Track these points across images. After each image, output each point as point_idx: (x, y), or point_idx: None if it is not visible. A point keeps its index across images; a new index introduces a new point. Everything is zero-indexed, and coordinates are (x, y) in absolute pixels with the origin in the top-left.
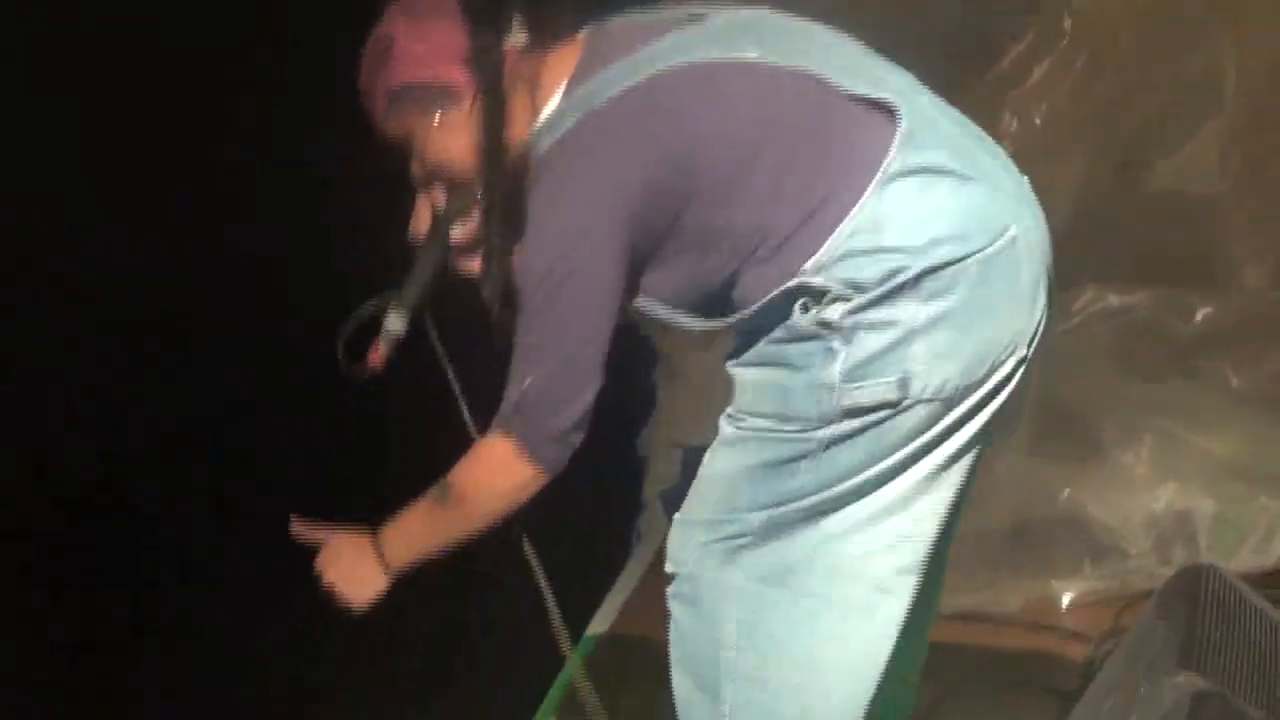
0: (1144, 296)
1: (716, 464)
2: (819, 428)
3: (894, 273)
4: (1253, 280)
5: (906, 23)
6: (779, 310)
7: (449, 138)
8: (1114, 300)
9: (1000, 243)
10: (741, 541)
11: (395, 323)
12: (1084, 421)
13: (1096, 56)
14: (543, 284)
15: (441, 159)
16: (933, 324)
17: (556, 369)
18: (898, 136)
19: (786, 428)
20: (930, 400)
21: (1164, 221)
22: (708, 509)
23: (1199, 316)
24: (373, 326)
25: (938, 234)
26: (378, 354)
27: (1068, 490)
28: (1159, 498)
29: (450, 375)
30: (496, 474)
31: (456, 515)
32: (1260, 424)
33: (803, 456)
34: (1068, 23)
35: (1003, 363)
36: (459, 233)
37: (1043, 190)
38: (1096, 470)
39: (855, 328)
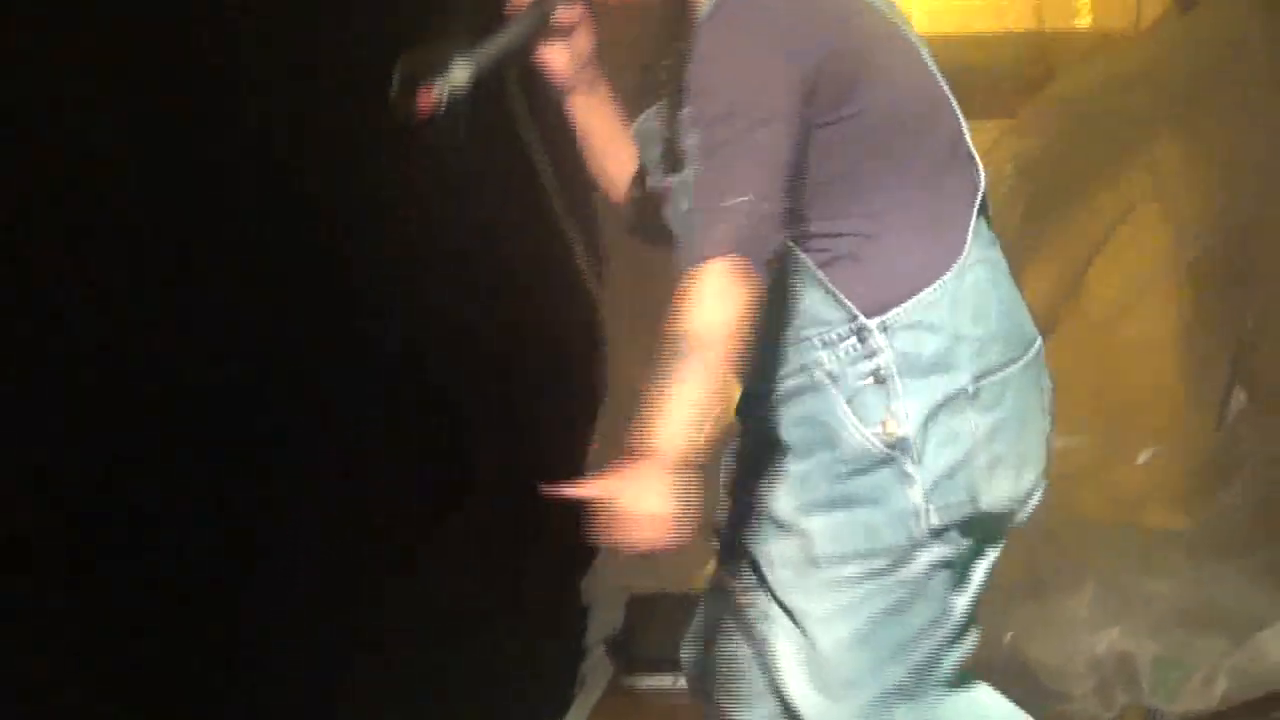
0: (1087, 438)
1: (827, 638)
2: (912, 556)
3: (947, 359)
4: (1197, 422)
5: None
6: (802, 353)
7: None
8: (1058, 441)
9: (1032, 351)
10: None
11: (459, 72)
12: (1028, 563)
13: None
14: (729, 108)
15: None
16: (991, 435)
17: (757, 183)
18: (978, 200)
19: (876, 563)
20: (995, 513)
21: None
22: (854, 693)
23: (1143, 458)
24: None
25: (993, 330)
26: (429, 97)
27: (1010, 633)
28: (1101, 640)
29: (534, 142)
30: (727, 299)
31: (701, 364)
32: (1201, 567)
33: (913, 596)
34: None
35: (1035, 473)
36: (564, 13)
37: None
38: (1039, 612)
39: (923, 443)
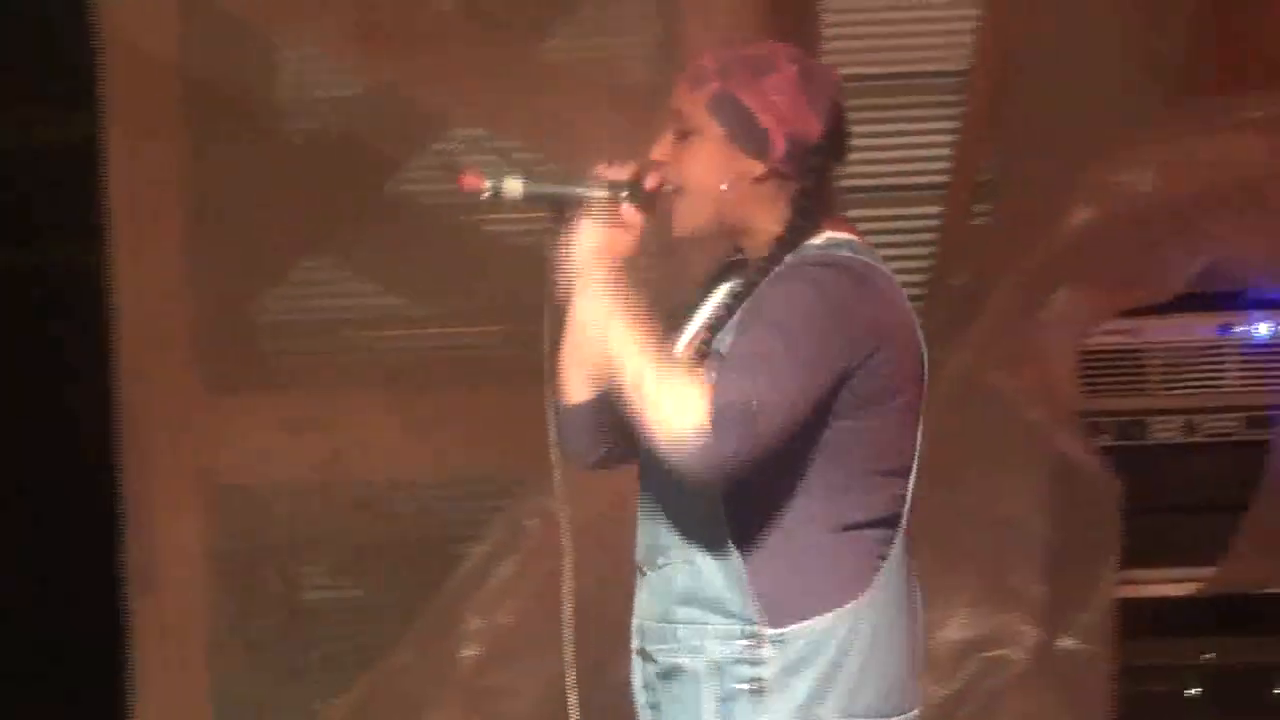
0: None
1: None
2: None
3: (820, 689)
4: None
5: None
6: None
7: (717, 169)
8: None
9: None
10: None
11: (511, 183)
12: None
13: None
14: (788, 339)
15: (699, 175)
16: None
17: (776, 398)
18: (897, 542)
19: None
20: None
21: (632, 713)
22: None
23: None
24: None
25: (870, 678)
26: (474, 182)
27: None
28: None
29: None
30: (682, 397)
31: (626, 364)
32: None
33: None
34: (531, 523)
35: None
36: (627, 212)
37: (508, 693)
38: None
39: None
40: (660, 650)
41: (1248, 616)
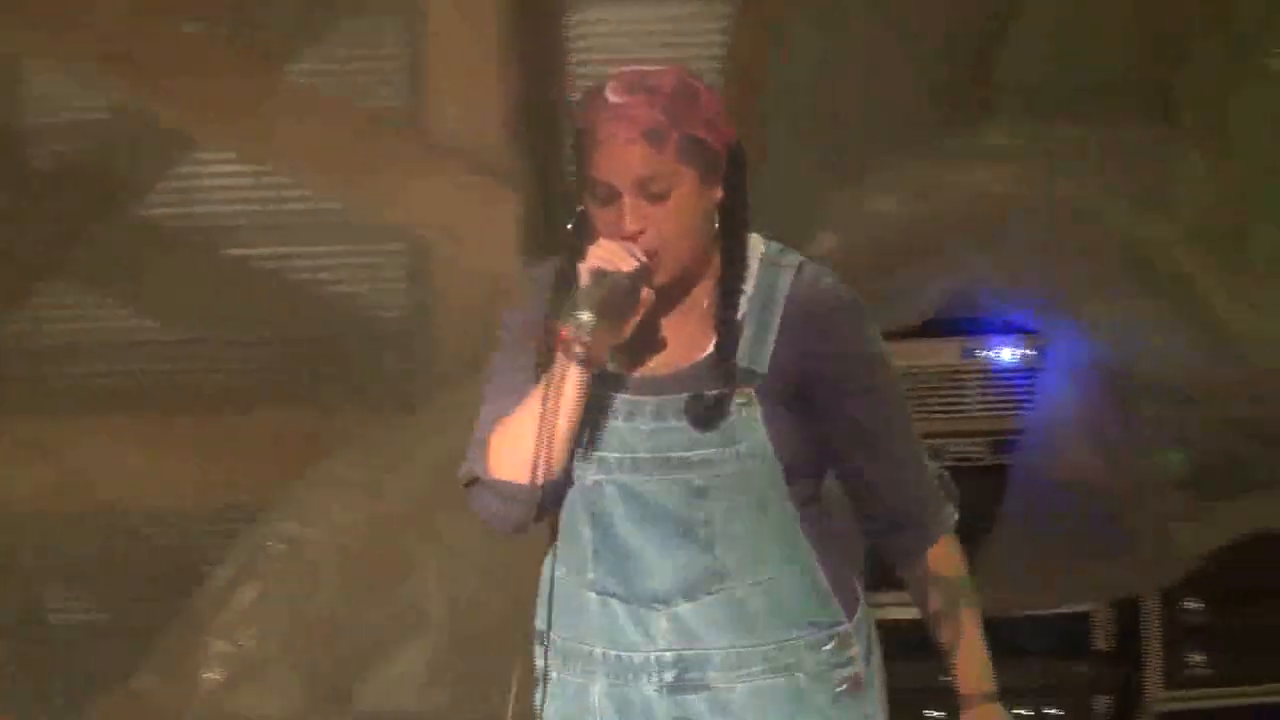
0: None
1: None
2: None
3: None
4: None
5: None
6: None
7: (701, 211)
8: None
9: None
10: None
11: (586, 317)
12: None
13: (307, 582)
14: (900, 403)
15: (685, 225)
16: None
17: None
18: None
19: None
20: None
21: None
22: None
23: None
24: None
25: None
26: (565, 332)
27: None
28: None
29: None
30: (964, 563)
31: (974, 610)
32: None
33: None
34: (274, 546)
35: None
36: (647, 292)
37: (251, 717)
38: None
39: None
40: (736, 676)
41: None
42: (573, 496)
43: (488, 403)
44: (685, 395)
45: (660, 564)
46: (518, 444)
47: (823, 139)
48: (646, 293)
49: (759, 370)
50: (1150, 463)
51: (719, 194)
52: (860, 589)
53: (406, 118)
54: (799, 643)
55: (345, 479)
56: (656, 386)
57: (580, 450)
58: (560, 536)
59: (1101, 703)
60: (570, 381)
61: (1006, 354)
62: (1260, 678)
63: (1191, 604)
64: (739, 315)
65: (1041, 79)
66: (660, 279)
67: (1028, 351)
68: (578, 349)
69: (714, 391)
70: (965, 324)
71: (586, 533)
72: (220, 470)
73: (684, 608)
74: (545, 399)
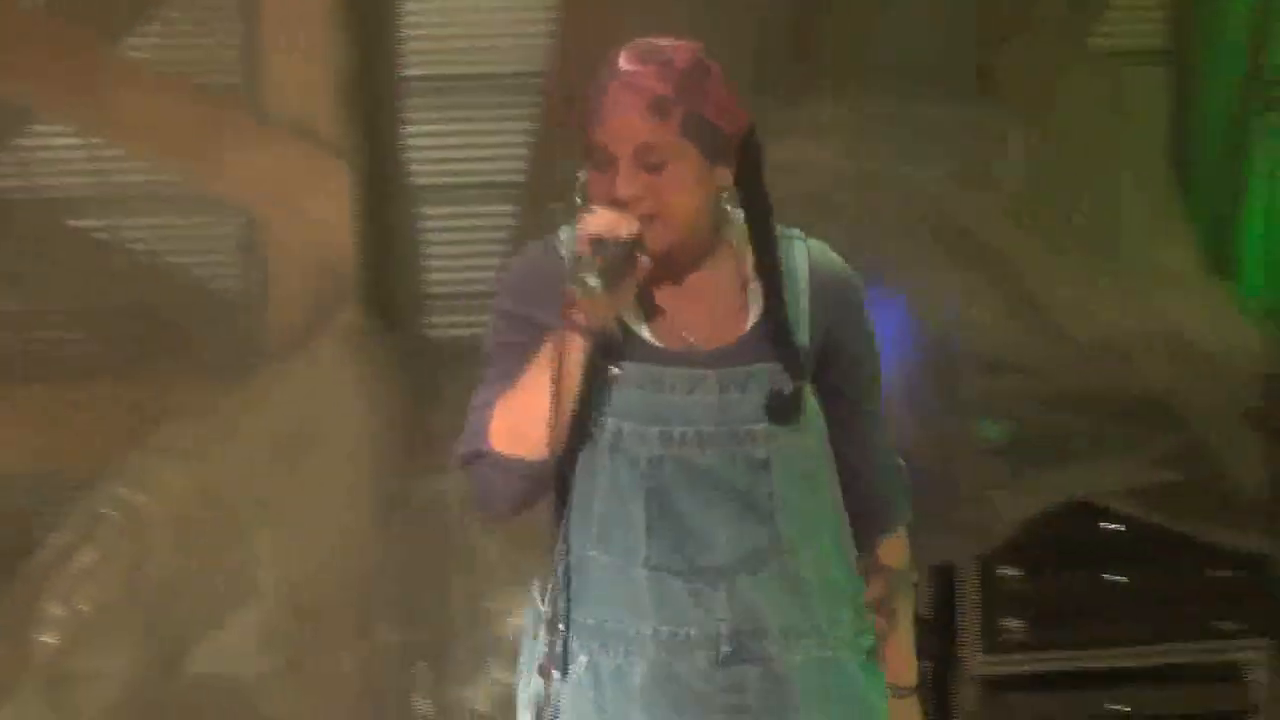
0: None
1: None
2: None
3: None
4: None
5: None
6: None
7: (703, 188)
8: None
9: None
10: None
11: (593, 282)
12: None
13: (142, 548)
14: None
15: (684, 200)
16: None
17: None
18: None
19: None
20: None
21: (207, 703)
22: None
23: None
24: None
25: None
26: (578, 317)
27: None
28: None
29: None
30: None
31: (910, 598)
32: None
33: None
34: (108, 512)
35: None
36: (645, 262)
37: (88, 679)
38: None
39: None
40: (791, 648)
41: None
42: (619, 473)
43: (486, 382)
44: (746, 367)
45: (723, 537)
46: (522, 416)
47: None
48: (644, 260)
49: (802, 342)
50: (969, 432)
51: (726, 176)
52: None
53: (241, 92)
54: (841, 614)
55: (179, 448)
56: (715, 360)
57: (637, 426)
58: (589, 516)
59: (920, 668)
60: (574, 351)
61: None
62: (1076, 642)
63: (1008, 570)
64: (781, 290)
65: (864, 57)
66: (656, 248)
67: None
68: (587, 316)
69: (787, 382)
70: None
71: (638, 510)
72: (56, 438)
73: (744, 580)
74: (552, 369)
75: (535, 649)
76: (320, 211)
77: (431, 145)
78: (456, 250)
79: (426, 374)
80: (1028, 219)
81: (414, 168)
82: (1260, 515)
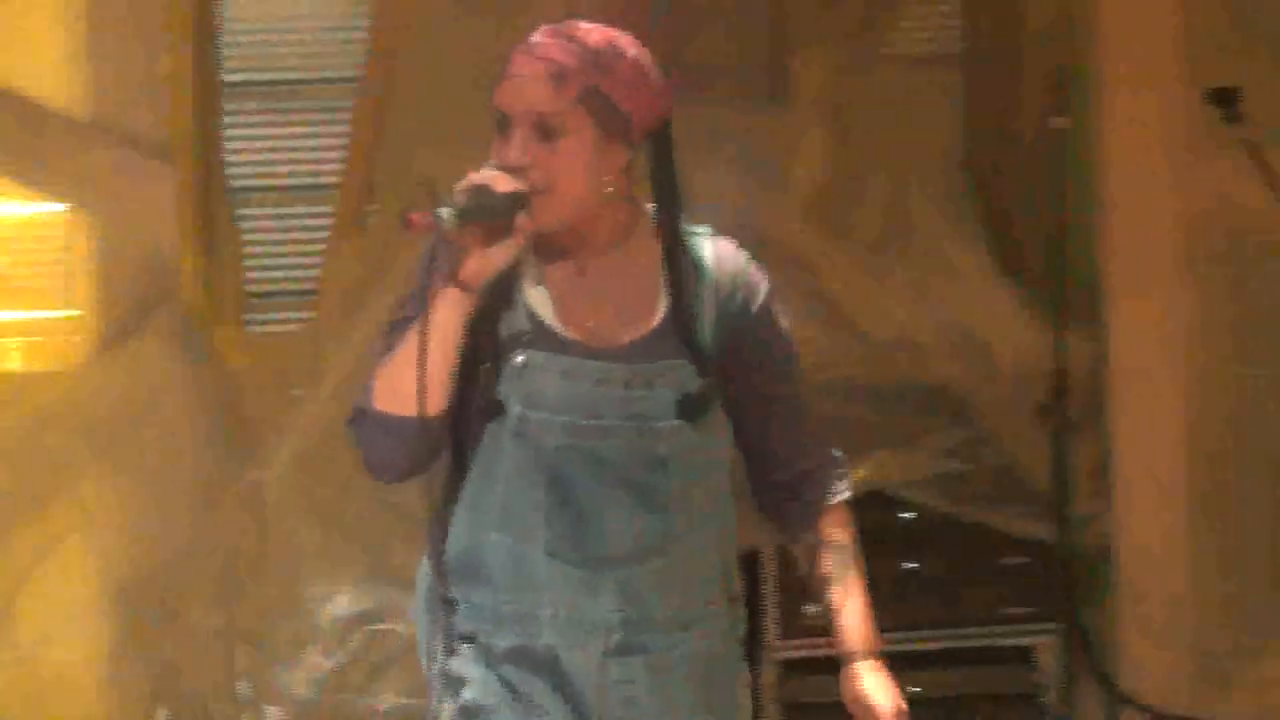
0: None
1: None
2: None
3: None
4: None
5: None
6: None
7: (595, 165)
8: None
9: None
10: None
11: (447, 212)
12: None
13: None
14: (801, 374)
15: (575, 173)
16: None
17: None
18: None
19: None
20: None
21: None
22: None
23: None
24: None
25: None
26: (418, 218)
27: None
28: None
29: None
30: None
31: (860, 570)
32: None
33: None
34: None
35: None
36: (525, 218)
37: None
38: None
39: None
40: (674, 639)
41: None
42: (523, 460)
43: (383, 351)
44: (655, 364)
45: (617, 528)
46: (397, 373)
47: (456, 115)
48: (524, 221)
49: (710, 338)
50: None
51: (624, 156)
52: None
53: (66, 95)
54: (720, 605)
55: None
56: (625, 354)
57: (543, 415)
58: (490, 500)
59: None
60: (446, 305)
61: None
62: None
63: None
64: (688, 286)
65: (659, 60)
66: (545, 221)
67: None
68: (461, 269)
69: (697, 381)
70: None
71: (540, 496)
72: None
73: (635, 571)
74: (421, 326)
75: (433, 628)
76: (144, 212)
77: (251, 148)
78: (275, 249)
79: (247, 370)
80: (823, 220)
81: (234, 170)
82: (1047, 504)
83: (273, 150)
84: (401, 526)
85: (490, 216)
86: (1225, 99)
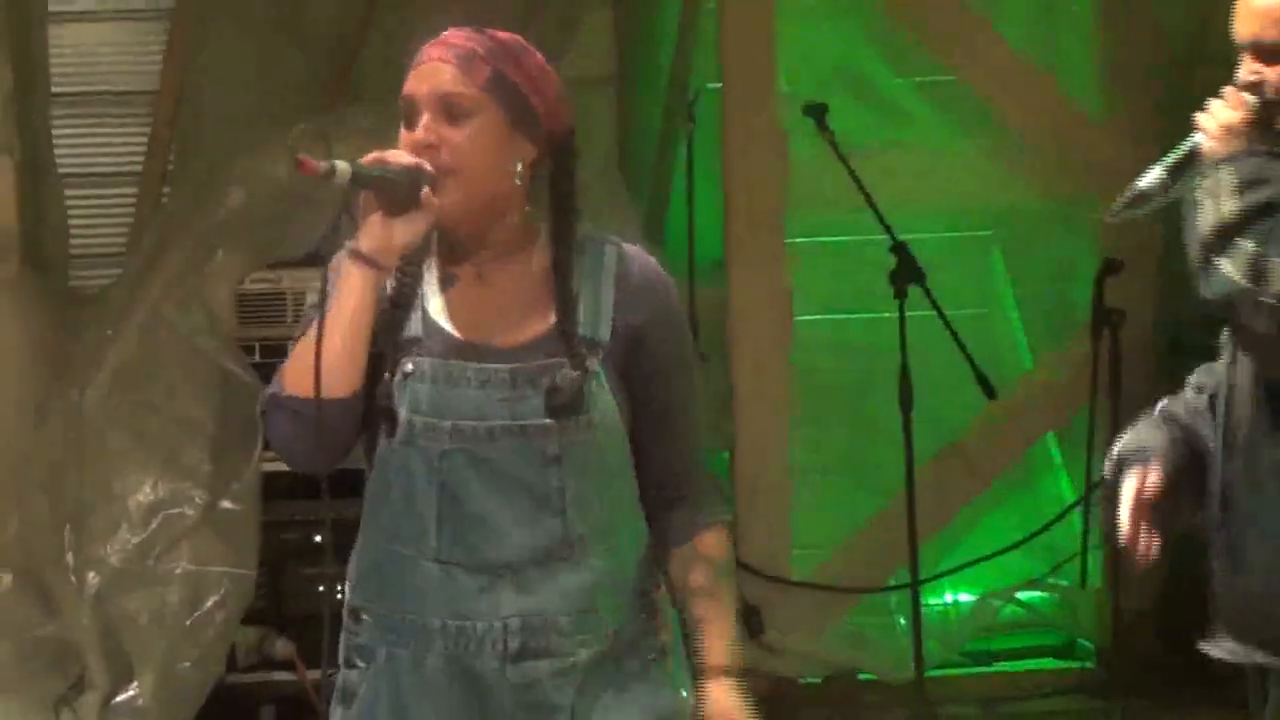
0: None
1: None
2: None
3: None
4: None
5: None
6: None
7: (501, 150)
8: None
9: None
10: None
11: (343, 165)
12: None
13: None
14: (696, 387)
15: (478, 157)
16: None
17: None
18: None
19: None
20: None
21: None
22: None
23: None
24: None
25: None
26: (312, 166)
27: None
28: None
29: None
30: (727, 549)
31: (730, 589)
32: None
33: None
34: None
35: None
36: (428, 196)
37: None
38: None
39: None
40: (578, 642)
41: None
42: (413, 466)
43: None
44: (538, 364)
45: (512, 531)
46: (302, 353)
47: (233, 117)
48: (427, 196)
49: (602, 339)
50: None
51: (529, 150)
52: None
53: None
54: (631, 612)
55: None
56: (509, 356)
57: (429, 420)
58: (385, 509)
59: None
60: (351, 280)
61: None
62: None
63: None
64: (575, 288)
65: (398, 74)
66: (452, 201)
67: None
68: (365, 242)
69: (567, 376)
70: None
71: (430, 502)
72: None
73: (533, 575)
74: (327, 304)
75: (342, 640)
76: None
77: (74, 143)
78: (92, 221)
79: (70, 315)
80: None
81: (60, 159)
82: None
83: (91, 144)
84: (189, 436)
85: (388, 187)
86: (816, 112)
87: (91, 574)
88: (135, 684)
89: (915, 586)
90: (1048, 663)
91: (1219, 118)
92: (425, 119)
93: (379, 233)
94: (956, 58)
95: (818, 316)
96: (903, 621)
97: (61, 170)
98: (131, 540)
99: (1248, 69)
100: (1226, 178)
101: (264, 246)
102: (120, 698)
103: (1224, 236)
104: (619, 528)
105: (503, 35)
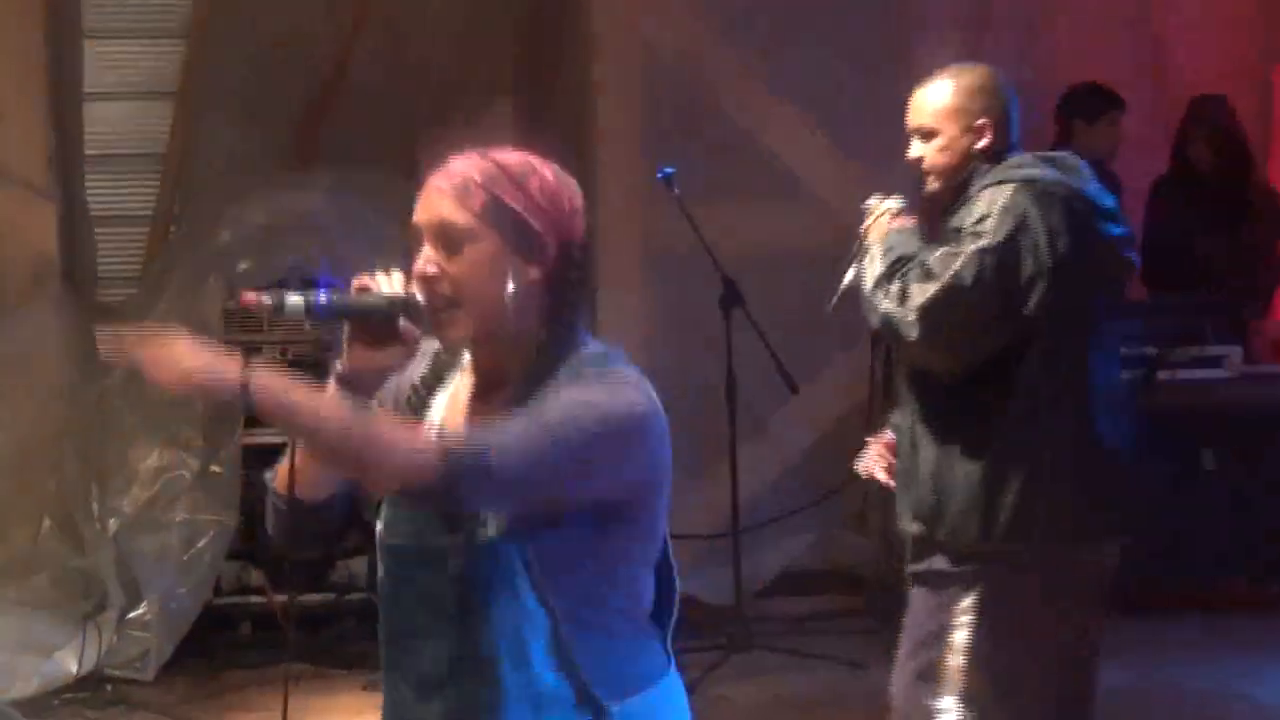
0: None
1: None
2: None
3: None
4: None
5: None
6: None
7: (499, 278)
8: None
9: None
10: None
11: (294, 299)
12: None
13: None
14: (582, 419)
15: (479, 284)
16: None
17: (545, 459)
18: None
19: None
20: None
21: None
22: None
23: None
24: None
25: None
26: (254, 299)
27: None
28: None
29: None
30: (411, 443)
31: (341, 427)
32: None
33: None
34: None
35: None
36: (408, 329)
37: None
38: None
39: None
40: None
41: None
42: (385, 579)
43: None
44: None
45: (431, 648)
46: (288, 453)
47: (224, 175)
48: (407, 328)
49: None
50: None
51: (535, 275)
52: (661, 662)
53: None
54: None
55: None
56: None
57: (382, 538)
58: (381, 621)
59: None
60: (334, 400)
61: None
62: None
63: None
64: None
65: (354, 137)
66: (456, 334)
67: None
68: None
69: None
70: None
71: (383, 619)
72: None
73: (452, 692)
74: (293, 412)
75: None
76: (36, 229)
77: (102, 192)
78: (115, 252)
79: (97, 322)
80: None
81: (91, 204)
82: None
83: (116, 194)
84: (186, 416)
85: (361, 316)
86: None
87: (112, 520)
88: (144, 605)
89: (736, 537)
90: None
91: (874, 214)
92: (426, 249)
93: (356, 358)
94: None
95: (670, 320)
96: None
97: (92, 213)
98: (142, 495)
99: (912, 149)
100: (875, 249)
101: (244, 275)
102: (131, 615)
103: (878, 286)
104: (533, 639)
105: (508, 157)
